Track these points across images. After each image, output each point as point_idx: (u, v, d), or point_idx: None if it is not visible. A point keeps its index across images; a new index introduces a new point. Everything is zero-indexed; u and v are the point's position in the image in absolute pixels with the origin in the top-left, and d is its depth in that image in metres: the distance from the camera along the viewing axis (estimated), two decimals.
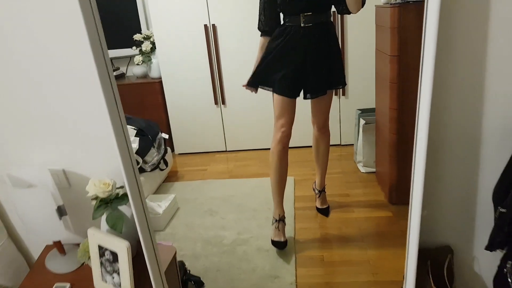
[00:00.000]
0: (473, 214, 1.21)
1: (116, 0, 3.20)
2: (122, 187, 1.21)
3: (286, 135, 1.84)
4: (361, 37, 2.75)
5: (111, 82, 0.97)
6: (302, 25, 1.75)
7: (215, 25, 2.91)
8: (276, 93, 1.82)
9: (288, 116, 1.82)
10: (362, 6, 1.69)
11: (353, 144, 2.91)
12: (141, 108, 3.20)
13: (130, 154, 1.01)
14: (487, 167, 1.15)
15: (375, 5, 2.25)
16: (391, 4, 1.88)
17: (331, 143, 2.11)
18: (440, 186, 1.19)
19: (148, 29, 3.24)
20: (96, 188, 1.15)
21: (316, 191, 2.22)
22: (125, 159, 0.99)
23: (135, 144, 2.20)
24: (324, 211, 2.18)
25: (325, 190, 2.22)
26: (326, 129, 2.03)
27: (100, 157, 1.26)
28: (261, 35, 1.90)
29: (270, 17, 1.83)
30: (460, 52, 1.07)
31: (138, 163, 2.30)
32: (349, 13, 1.73)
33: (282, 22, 1.84)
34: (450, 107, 1.12)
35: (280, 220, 1.94)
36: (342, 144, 3.04)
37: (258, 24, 1.88)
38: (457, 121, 1.13)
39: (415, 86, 1.99)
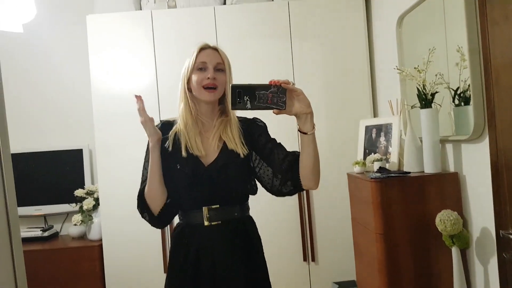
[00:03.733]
0: None
1: (57, 153, 2.91)
2: None
3: None
4: (329, 201, 2.58)
5: None
6: (206, 223, 1.30)
7: None
8: None
9: None
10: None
11: None
12: (73, 277, 2.63)
13: None
14: None
15: (347, 173, 2.13)
16: (371, 178, 1.73)
17: None
18: None
19: (92, 183, 2.89)
20: None
21: None
22: None
23: None
24: None
25: None
26: None
27: None
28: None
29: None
30: None
31: None
32: (298, 190, 1.31)
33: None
34: None
35: None
36: None
37: (138, 198, 1.35)
38: None
39: (406, 266, 1.79)
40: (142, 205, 1.34)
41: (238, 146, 1.31)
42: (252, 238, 1.38)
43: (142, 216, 1.37)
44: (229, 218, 1.31)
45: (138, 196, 1.36)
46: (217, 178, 1.30)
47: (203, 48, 1.34)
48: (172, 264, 1.37)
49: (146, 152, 1.37)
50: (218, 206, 1.30)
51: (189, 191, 1.30)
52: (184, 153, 1.29)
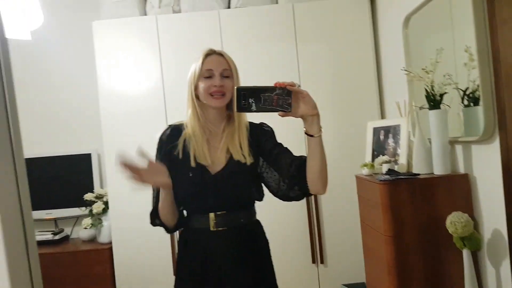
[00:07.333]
0: None
1: (66, 158, 2.94)
2: None
3: None
4: (337, 203, 2.56)
5: None
6: (212, 228, 1.30)
7: None
8: None
9: None
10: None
11: None
12: (84, 279, 2.66)
13: None
14: None
15: (355, 175, 2.12)
16: (380, 180, 1.72)
17: None
18: None
19: (102, 187, 2.91)
20: None
21: None
22: None
23: None
24: None
25: None
26: None
27: None
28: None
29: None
30: None
31: None
32: (305, 195, 1.29)
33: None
34: None
35: None
36: None
37: (151, 216, 1.37)
38: None
39: (416, 269, 1.77)
40: (157, 223, 1.37)
41: (245, 156, 1.31)
42: (259, 243, 1.38)
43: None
44: (235, 224, 1.32)
45: (151, 214, 1.37)
46: (224, 186, 1.30)
47: (209, 54, 1.34)
48: (179, 269, 1.38)
49: None
50: (224, 212, 1.30)
51: (196, 198, 1.31)
52: (193, 163, 1.30)
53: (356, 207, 2.17)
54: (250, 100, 1.10)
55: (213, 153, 1.33)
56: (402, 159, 1.93)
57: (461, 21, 1.63)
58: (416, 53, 2.01)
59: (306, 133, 1.18)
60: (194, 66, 1.34)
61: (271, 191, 1.35)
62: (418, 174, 1.75)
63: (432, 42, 1.84)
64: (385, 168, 1.88)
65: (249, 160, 1.31)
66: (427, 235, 1.70)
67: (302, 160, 1.27)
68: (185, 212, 1.40)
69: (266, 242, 1.41)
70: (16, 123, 0.68)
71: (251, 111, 1.11)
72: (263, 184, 1.37)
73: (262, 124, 1.41)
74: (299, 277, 2.54)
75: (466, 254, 1.57)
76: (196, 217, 1.34)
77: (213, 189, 1.30)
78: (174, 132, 1.37)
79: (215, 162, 1.32)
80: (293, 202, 1.38)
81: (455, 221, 1.54)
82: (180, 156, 1.32)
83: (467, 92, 1.60)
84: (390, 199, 1.70)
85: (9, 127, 0.66)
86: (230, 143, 1.33)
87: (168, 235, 2.61)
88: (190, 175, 1.30)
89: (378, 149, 2.12)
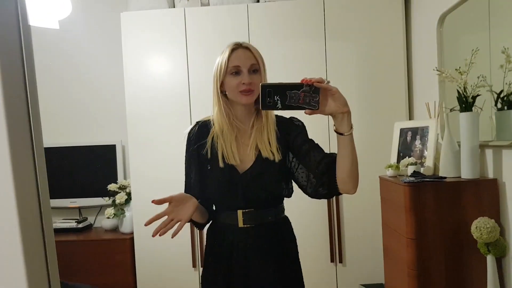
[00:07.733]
0: None
1: (92, 148, 3.00)
2: None
3: None
4: (358, 202, 2.54)
5: None
6: (240, 225, 1.31)
7: None
8: None
9: None
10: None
11: None
12: (105, 267, 2.72)
13: None
14: None
15: (379, 176, 2.09)
16: (404, 182, 1.69)
17: None
18: None
19: (125, 178, 2.96)
20: None
21: None
22: None
23: None
24: None
25: None
26: None
27: None
28: None
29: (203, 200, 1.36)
30: None
31: None
32: (334, 194, 1.25)
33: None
34: None
35: None
36: None
37: None
38: None
39: (438, 273, 1.74)
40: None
41: (273, 153, 1.28)
42: (286, 239, 1.37)
43: None
44: (263, 221, 1.31)
45: None
46: (252, 186, 1.28)
47: (234, 49, 1.28)
48: (207, 262, 1.38)
49: (185, 161, 1.37)
50: (252, 209, 1.29)
51: (224, 197, 1.31)
52: (221, 163, 1.28)
53: (377, 207, 2.14)
54: (276, 98, 1.06)
55: (242, 151, 1.31)
56: (429, 162, 1.89)
57: (500, 20, 1.58)
58: (449, 53, 1.95)
59: (336, 131, 1.14)
60: (219, 61, 1.29)
61: (300, 187, 1.32)
62: (445, 178, 1.71)
63: (467, 42, 1.79)
64: (410, 170, 1.84)
65: (277, 157, 1.28)
66: (450, 239, 1.67)
67: (332, 158, 1.22)
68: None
69: (293, 238, 1.40)
70: (36, 112, 0.68)
71: (276, 108, 1.07)
72: (292, 180, 1.35)
73: (292, 119, 1.36)
74: (317, 276, 2.52)
75: (490, 260, 1.54)
76: (224, 213, 1.34)
77: (241, 189, 1.28)
78: (201, 130, 1.35)
79: (244, 160, 1.30)
80: (314, 201, 1.36)
81: (480, 227, 1.50)
82: (209, 155, 1.30)
83: (502, 95, 1.54)
84: (414, 201, 1.67)
85: (29, 115, 0.66)
86: (259, 140, 1.30)
87: (188, 228, 2.64)
88: (219, 175, 1.28)
89: (404, 150, 2.08)
